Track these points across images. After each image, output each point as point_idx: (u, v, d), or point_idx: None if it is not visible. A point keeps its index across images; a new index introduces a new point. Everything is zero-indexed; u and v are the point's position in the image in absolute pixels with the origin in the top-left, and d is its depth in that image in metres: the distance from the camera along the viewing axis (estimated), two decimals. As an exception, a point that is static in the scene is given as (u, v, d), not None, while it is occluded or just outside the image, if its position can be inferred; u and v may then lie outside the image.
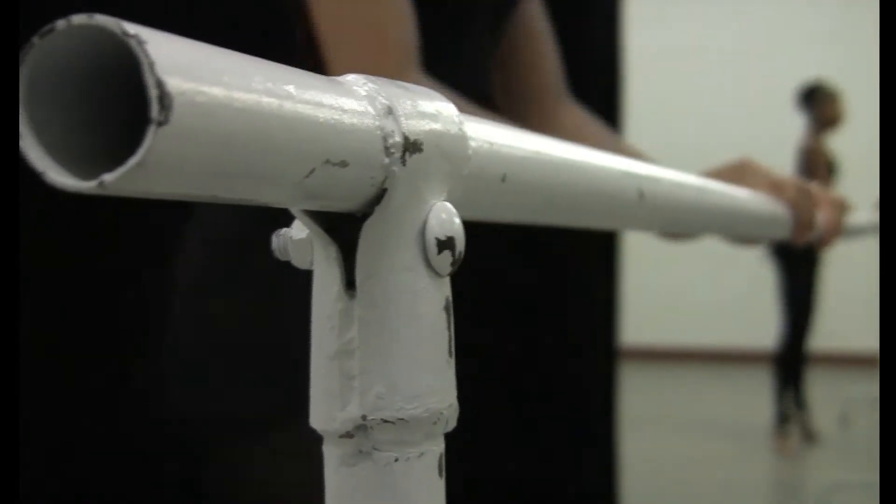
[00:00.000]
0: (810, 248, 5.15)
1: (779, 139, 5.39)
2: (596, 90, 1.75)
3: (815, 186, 1.07)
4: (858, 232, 2.03)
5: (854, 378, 5.84)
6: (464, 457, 1.47)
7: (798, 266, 5.03)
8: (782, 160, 5.19)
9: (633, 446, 2.77)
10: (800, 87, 5.08)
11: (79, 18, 0.26)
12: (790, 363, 5.06)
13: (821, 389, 5.60)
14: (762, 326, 5.96)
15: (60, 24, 0.26)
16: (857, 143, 6.47)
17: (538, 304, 1.67)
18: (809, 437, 4.99)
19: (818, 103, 4.96)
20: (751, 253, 5.22)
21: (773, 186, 0.97)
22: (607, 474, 1.77)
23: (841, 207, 1.09)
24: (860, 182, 5.45)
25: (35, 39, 0.26)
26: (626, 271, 1.90)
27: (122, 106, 0.28)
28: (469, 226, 0.41)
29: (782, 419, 4.93)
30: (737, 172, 0.97)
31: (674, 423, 5.42)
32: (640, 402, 5.21)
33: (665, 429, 5.25)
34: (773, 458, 4.92)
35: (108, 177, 0.25)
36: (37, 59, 0.26)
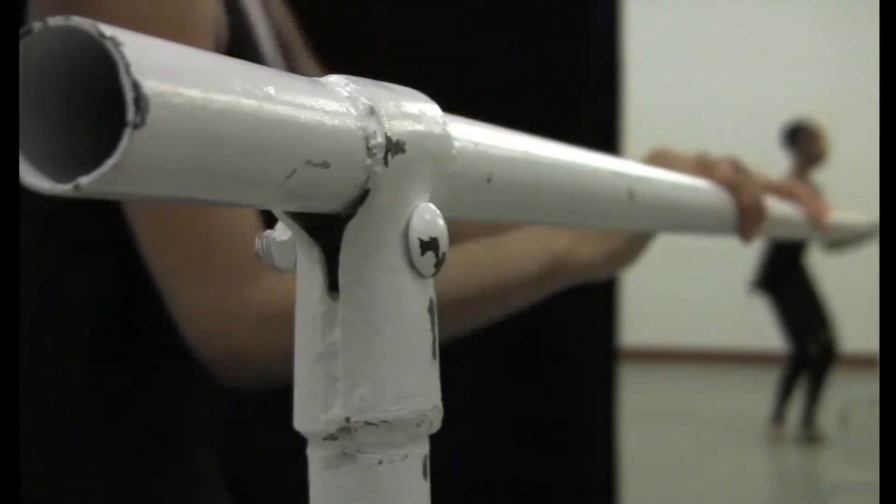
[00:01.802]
0: (792, 266, 5.09)
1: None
2: (596, 90, 1.75)
3: (787, 181, 1.02)
4: (858, 233, 2.02)
5: (854, 378, 5.84)
6: (463, 456, 1.47)
7: (791, 287, 5.11)
8: (782, 160, 5.20)
9: (633, 446, 2.77)
10: (783, 126, 5.19)
11: (55, 20, 0.25)
12: (797, 376, 5.16)
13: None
14: (762, 327, 5.95)
15: (37, 25, 0.26)
16: (857, 145, 6.47)
17: (536, 305, 1.67)
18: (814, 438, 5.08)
19: (803, 141, 5.08)
20: (750, 254, 5.22)
21: (700, 166, 0.80)
22: (607, 473, 1.77)
23: (818, 196, 1.05)
24: (860, 183, 5.45)
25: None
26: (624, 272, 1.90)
27: (101, 109, 0.28)
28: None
29: (779, 415, 5.07)
30: (655, 162, 0.79)
31: (673, 425, 5.42)
32: (639, 403, 5.20)
33: (664, 430, 5.25)
34: (773, 459, 4.92)
35: (83, 179, 0.25)
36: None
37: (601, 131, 1.72)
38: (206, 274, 0.71)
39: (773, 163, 5.14)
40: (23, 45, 0.26)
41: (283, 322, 0.63)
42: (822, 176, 5.39)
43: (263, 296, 0.70)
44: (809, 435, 5.02)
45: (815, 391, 5.10)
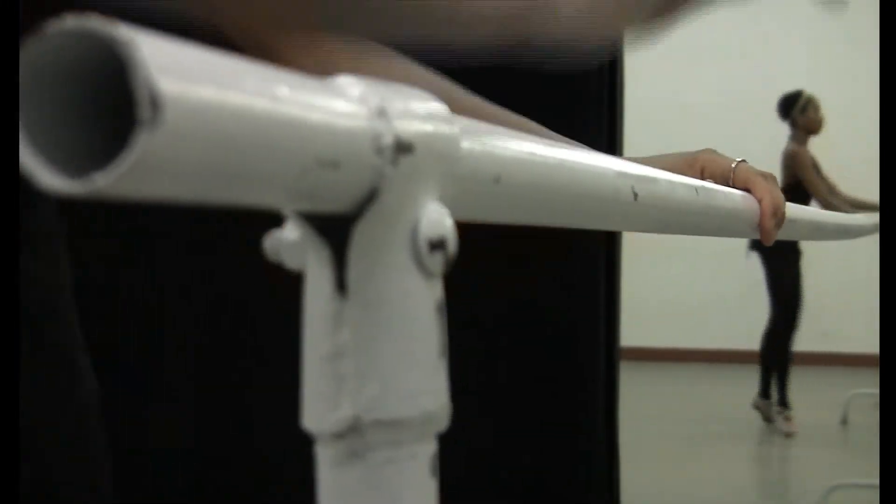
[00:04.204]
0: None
1: (778, 140, 5.39)
2: (596, 90, 1.75)
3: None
4: (859, 232, 2.03)
5: (854, 378, 5.84)
6: (464, 455, 1.47)
7: (781, 256, 5.19)
8: (781, 159, 5.21)
9: (633, 447, 2.77)
10: (782, 97, 5.28)
11: (71, 20, 0.26)
12: (776, 353, 5.23)
13: (821, 389, 5.60)
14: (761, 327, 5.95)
15: (52, 25, 0.26)
16: (855, 144, 6.47)
17: (537, 305, 1.67)
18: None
19: (801, 112, 5.19)
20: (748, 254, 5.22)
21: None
22: (607, 472, 1.77)
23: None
24: (859, 182, 5.45)
25: (27, 41, 0.26)
26: (624, 274, 1.90)
27: (112, 108, 0.28)
28: (468, 227, 0.41)
29: (783, 404, 5.14)
30: (690, 168, 0.83)
31: (673, 425, 5.42)
32: (639, 404, 5.21)
33: (664, 431, 5.25)
34: (773, 459, 4.92)
35: (99, 179, 0.25)
36: (28, 61, 0.26)
37: (601, 131, 1.72)
38: None
39: (773, 163, 5.14)
40: (36, 45, 0.26)
41: None
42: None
43: None
44: (760, 408, 5.15)
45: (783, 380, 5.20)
